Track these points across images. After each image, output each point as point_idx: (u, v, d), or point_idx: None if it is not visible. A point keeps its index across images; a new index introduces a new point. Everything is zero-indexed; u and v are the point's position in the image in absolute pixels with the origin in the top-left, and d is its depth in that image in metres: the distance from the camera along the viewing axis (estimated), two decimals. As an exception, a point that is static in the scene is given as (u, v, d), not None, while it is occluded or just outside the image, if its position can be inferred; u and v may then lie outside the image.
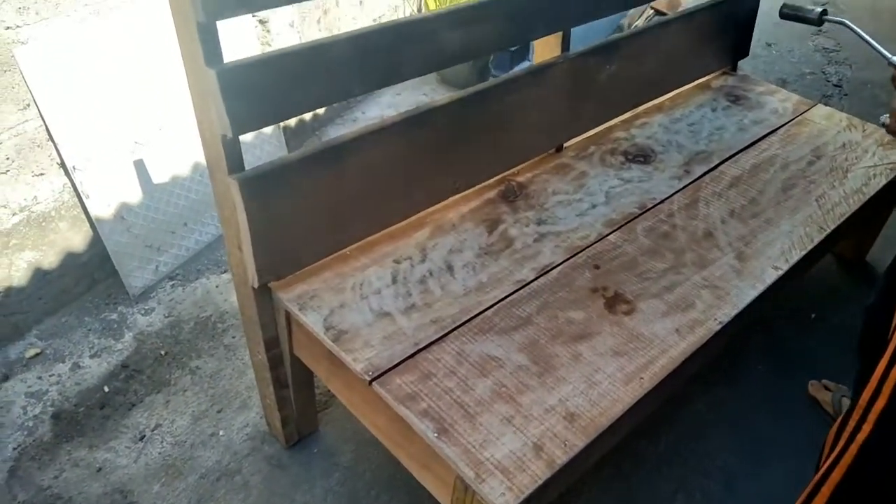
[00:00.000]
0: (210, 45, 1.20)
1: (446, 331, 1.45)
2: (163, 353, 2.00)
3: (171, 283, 2.22)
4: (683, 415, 1.93)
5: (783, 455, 1.83)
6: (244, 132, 1.29)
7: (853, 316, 2.26)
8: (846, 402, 1.89)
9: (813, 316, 2.28)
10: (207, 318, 2.11)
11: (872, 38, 1.78)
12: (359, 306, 1.50)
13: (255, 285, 1.47)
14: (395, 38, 1.45)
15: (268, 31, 2.58)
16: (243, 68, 1.24)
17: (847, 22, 1.85)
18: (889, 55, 1.65)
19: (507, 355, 1.41)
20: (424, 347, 1.41)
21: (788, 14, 1.98)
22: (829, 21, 1.91)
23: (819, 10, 1.91)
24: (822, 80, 3.79)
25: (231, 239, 1.46)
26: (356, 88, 1.43)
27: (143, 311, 2.12)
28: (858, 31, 1.80)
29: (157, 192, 2.17)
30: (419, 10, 3.27)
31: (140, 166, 2.11)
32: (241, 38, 2.40)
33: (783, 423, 1.92)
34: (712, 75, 2.51)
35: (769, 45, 4.10)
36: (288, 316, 1.52)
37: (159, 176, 2.17)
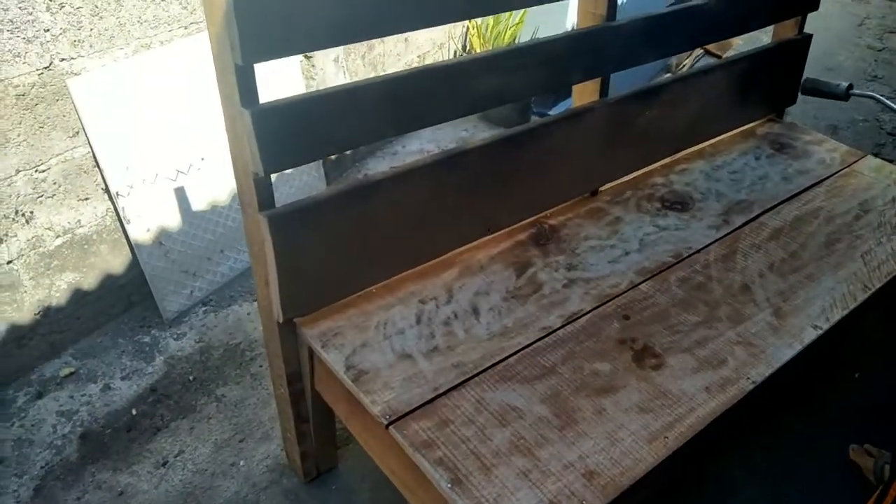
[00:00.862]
0: (246, 86, 1.23)
1: (467, 376, 1.43)
2: (191, 378, 2.03)
3: (203, 308, 2.25)
4: (714, 474, 1.86)
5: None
6: (276, 171, 1.32)
7: (900, 377, 2.17)
8: (889, 471, 1.79)
9: (857, 375, 2.18)
10: (237, 346, 2.13)
11: None
12: (381, 346, 1.49)
13: (280, 320, 1.48)
14: (429, 82, 1.46)
15: (312, 65, 2.64)
16: (277, 110, 1.27)
17: (877, 95, 1.78)
18: None
19: (527, 406, 1.38)
20: (444, 393, 1.39)
21: (810, 89, 1.91)
22: (857, 95, 1.84)
23: (845, 84, 1.84)
24: (876, 128, 3.68)
25: (259, 274, 1.48)
26: (389, 131, 1.45)
27: (175, 336, 2.16)
28: (890, 104, 1.73)
29: (195, 219, 2.22)
30: (464, 47, 3.31)
31: (181, 194, 2.16)
32: (287, 72, 2.46)
33: (819, 489, 1.82)
34: (757, 122, 2.46)
35: (820, 90, 4.01)
36: (311, 352, 1.53)
37: (199, 203, 2.23)
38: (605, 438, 1.33)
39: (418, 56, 3.18)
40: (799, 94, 2.51)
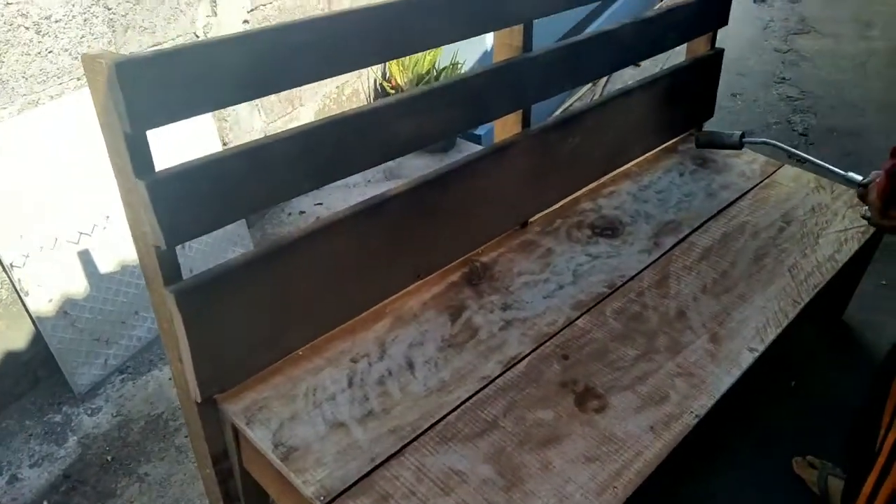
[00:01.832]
0: (139, 155, 1.12)
1: (406, 441, 1.35)
2: (109, 458, 1.87)
3: (121, 377, 2.09)
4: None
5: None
6: (180, 243, 1.21)
7: (833, 384, 2.21)
8: (833, 481, 1.81)
9: (793, 384, 2.21)
10: (159, 416, 1.98)
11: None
12: (311, 417, 1.39)
13: (198, 400, 1.36)
14: (343, 132, 1.38)
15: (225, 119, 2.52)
16: (176, 177, 1.16)
17: (770, 141, 1.81)
18: (842, 172, 1.59)
19: (471, 468, 1.31)
20: (382, 463, 1.31)
21: (704, 143, 1.94)
22: (751, 143, 1.87)
23: (738, 134, 1.87)
24: (789, 130, 3.81)
25: (171, 350, 1.36)
26: (304, 185, 1.35)
27: (89, 411, 1.99)
28: (787, 147, 1.75)
29: (104, 283, 2.06)
30: (384, 74, 3.24)
31: (85, 257, 2.00)
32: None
33: (773, 507, 1.83)
34: (678, 138, 2.48)
35: (734, 95, 4.13)
36: (235, 430, 1.41)
37: (106, 265, 2.07)
38: (553, 496, 1.27)
39: (337, 86, 3.09)
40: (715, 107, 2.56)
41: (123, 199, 1.20)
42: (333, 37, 1.27)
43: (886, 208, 1.35)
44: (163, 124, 1.09)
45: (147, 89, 1.05)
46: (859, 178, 1.52)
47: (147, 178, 1.13)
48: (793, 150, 1.71)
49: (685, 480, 1.88)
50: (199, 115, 1.13)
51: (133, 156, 1.11)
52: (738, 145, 1.85)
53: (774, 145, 1.78)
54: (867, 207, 1.41)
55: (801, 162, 1.73)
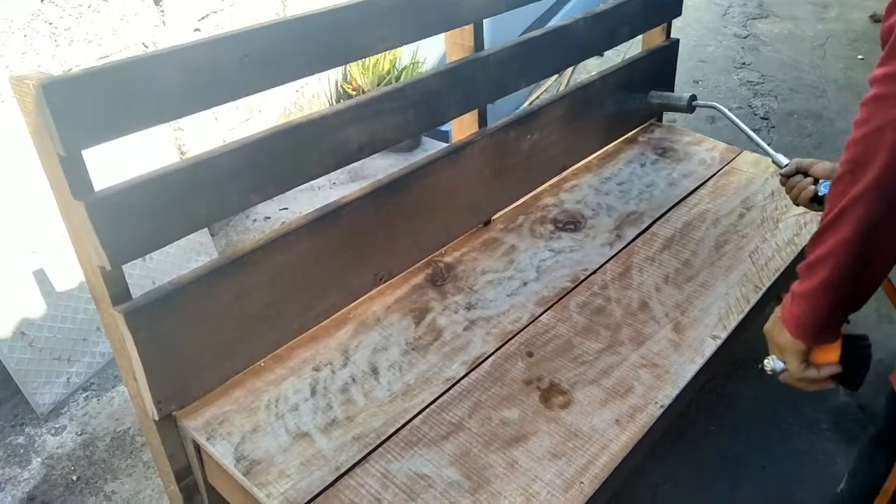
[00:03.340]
0: (76, 176, 1.09)
1: (370, 448, 1.34)
2: (75, 478, 1.83)
3: (84, 394, 2.05)
4: (638, 489, 1.85)
5: (743, 528, 1.76)
6: (125, 262, 1.18)
7: (799, 365, 2.24)
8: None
9: (759, 366, 2.23)
10: (125, 433, 1.95)
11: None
12: (274, 428, 1.38)
13: (156, 418, 1.34)
14: (292, 141, 1.36)
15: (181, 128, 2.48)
16: (116, 196, 1.13)
17: (718, 105, 1.82)
18: (771, 152, 1.60)
19: (437, 472, 1.31)
20: (347, 472, 1.30)
21: (656, 103, 1.95)
22: (700, 106, 1.88)
23: (687, 96, 1.88)
24: (750, 114, 3.85)
25: (125, 369, 1.33)
26: (254, 198, 1.33)
27: (52, 431, 1.95)
28: (730, 115, 1.76)
29: (61, 300, 2.02)
30: (344, 77, 3.21)
31: (40, 275, 1.96)
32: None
33: (740, 488, 1.84)
34: (639, 129, 2.49)
35: (696, 81, 4.16)
36: (196, 445, 1.39)
37: (63, 283, 2.02)
38: (519, 495, 1.27)
39: (297, 90, 3.05)
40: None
41: (65, 220, 1.18)
42: (276, 46, 1.25)
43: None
44: (97, 143, 1.07)
45: (78, 109, 1.03)
46: (785, 161, 1.53)
47: (86, 198, 1.10)
48: (734, 118, 1.72)
49: (660, 455, 1.90)
50: (135, 132, 1.11)
51: (69, 177, 1.09)
52: (688, 109, 1.86)
53: (720, 110, 1.78)
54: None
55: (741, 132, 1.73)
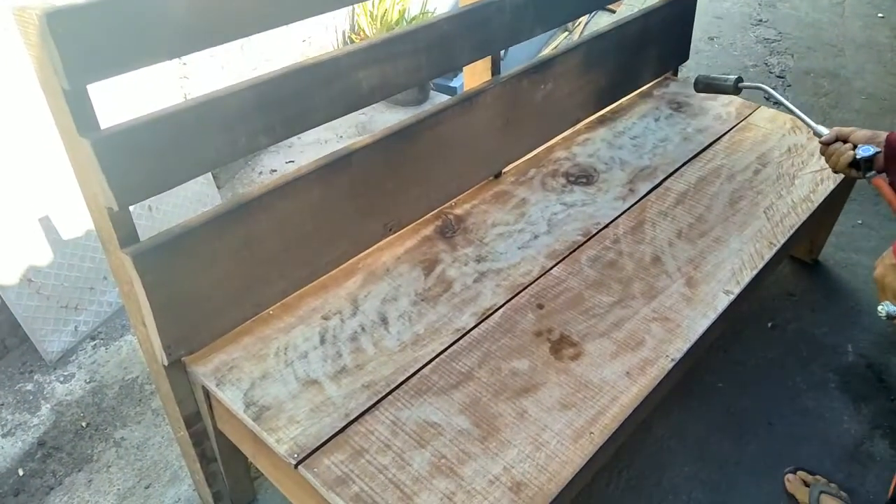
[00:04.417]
0: (81, 112, 1.06)
1: (380, 396, 1.34)
2: (84, 424, 1.84)
3: (92, 343, 2.05)
4: (643, 443, 1.85)
5: (747, 481, 1.76)
6: (133, 203, 1.16)
7: (810, 322, 2.23)
8: (827, 500, 1.68)
9: (770, 325, 2.23)
10: (133, 381, 1.95)
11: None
12: (283, 375, 1.37)
13: (165, 363, 1.33)
14: (302, 82, 1.32)
15: (184, 63, 2.42)
16: (123, 134, 1.10)
17: (765, 87, 1.75)
18: (813, 124, 1.54)
19: (446, 419, 1.30)
20: (356, 419, 1.29)
21: (703, 87, 1.87)
22: (747, 87, 1.81)
23: (734, 78, 1.81)
24: (766, 72, 3.76)
25: (134, 314, 1.32)
26: (262, 140, 1.30)
27: (61, 378, 1.95)
28: (777, 95, 1.70)
29: (68, 248, 2.00)
30: (352, 27, 3.14)
31: (46, 223, 1.94)
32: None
33: (746, 444, 1.85)
34: (653, 82, 2.44)
35: (711, 38, 4.07)
36: (206, 391, 1.39)
37: (70, 230, 2.01)
38: (529, 444, 1.26)
39: (303, 40, 2.99)
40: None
41: (70, 158, 1.15)
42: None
43: None
44: (103, 78, 1.03)
45: (84, 41, 0.99)
46: (825, 131, 1.48)
47: (92, 136, 1.07)
48: (782, 98, 1.67)
49: (664, 410, 1.90)
50: (143, 67, 1.07)
51: (75, 113, 1.06)
52: (735, 90, 1.80)
53: (770, 93, 1.73)
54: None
55: (777, 105, 1.68)
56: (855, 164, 1.38)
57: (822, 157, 1.51)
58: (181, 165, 1.19)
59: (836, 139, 1.44)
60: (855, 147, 1.39)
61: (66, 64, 0.98)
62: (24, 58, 1.87)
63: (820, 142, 1.47)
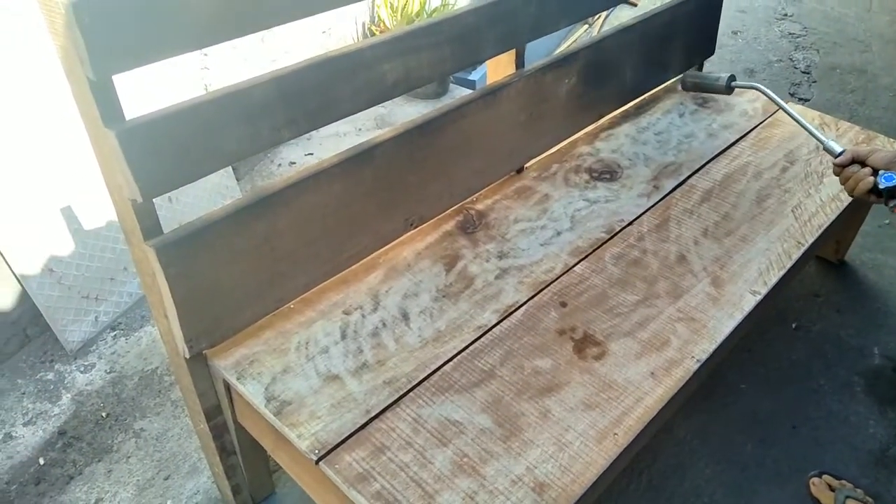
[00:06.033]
0: (107, 103, 1.05)
1: (401, 393, 1.33)
2: (104, 414, 1.85)
3: (112, 333, 2.06)
4: (665, 444, 1.83)
5: (770, 484, 1.73)
6: (156, 195, 1.15)
7: (836, 324, 2.19)
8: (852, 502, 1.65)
9: (794, 326, 2.19)
10: (153, 372, 1.96)
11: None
12: (304, 370, 1.36)
13: (187, 356, 1.32)
14: (325, 75, 1.30)
15: (205, 54, 2.42)
16: (148, 125, 1.09)
17: (757, 85, 1.69)
18: (822, 136, 1.48)
19: (468, 418, 1.29)
20: (377, 415, 1.28)
21: (691, 86, 1.80)
22: (740, 87, 1.74)
23: (725, 76, 1.73)
24: (791, 68, 3.70)
25: (156, 306, 1.32)
26: (285, 133, 1.29)
27: (82, 368, 1.96)
28: (773, 96, 1.63)
29: (89, 239, 2.01)
30: (372, 19, 3.12)
31: (68, 213, 1.94)
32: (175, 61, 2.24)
33: (770, 447, 1.82)
34: (678, 78, 2.39)
35: (735, 33, 4.01)
36: (227, 385, 1.38)
37: (92, 221, 2.01)
38: (552, 444, 1.25)
39: (323, 31, 2.97)
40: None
41: (95, 150, 1.14)
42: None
43: None
44: (130, 69, 1.02)
45: (110, 30, 0.98)
46: (839, 149, 1.42)
47: (117, 127, 1.06)
48: (778, 99, 1.61)
49: (687, 411, 1.87)
50: (169, 57, 1.06)
51: (100, 104, 1.05)
52: (726, 90, 1.73)
53: (762, 91, 1.67)
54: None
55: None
56: (876, 190, 1.32)
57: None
58: (204, 158, 1.18)
59: (853, 161, 1.38)
60: (875, 172, 1.33)
61: (91, 54, 0.98)
62: (48, 46, 1.87)
63: (834, 163, 1.41)
